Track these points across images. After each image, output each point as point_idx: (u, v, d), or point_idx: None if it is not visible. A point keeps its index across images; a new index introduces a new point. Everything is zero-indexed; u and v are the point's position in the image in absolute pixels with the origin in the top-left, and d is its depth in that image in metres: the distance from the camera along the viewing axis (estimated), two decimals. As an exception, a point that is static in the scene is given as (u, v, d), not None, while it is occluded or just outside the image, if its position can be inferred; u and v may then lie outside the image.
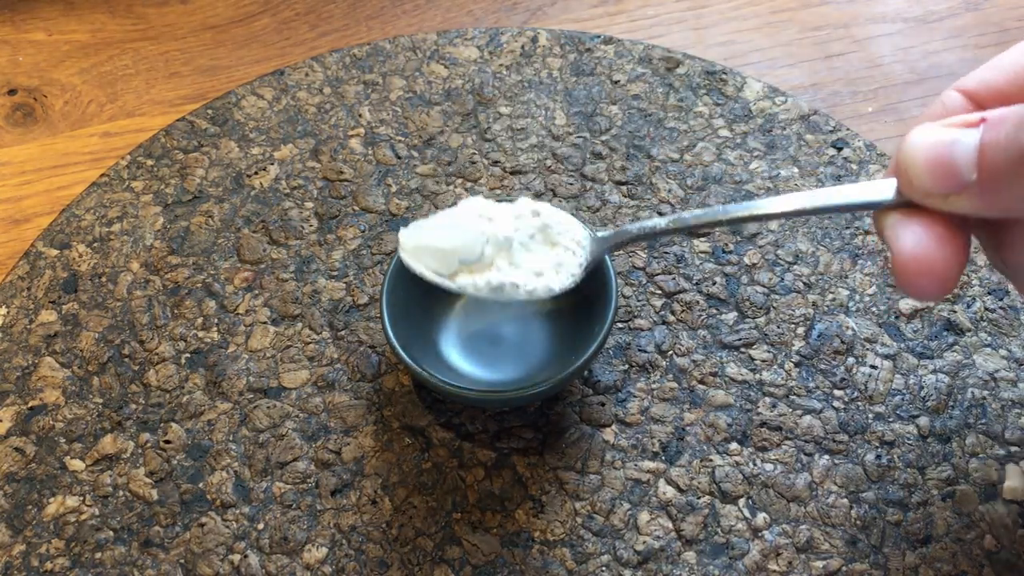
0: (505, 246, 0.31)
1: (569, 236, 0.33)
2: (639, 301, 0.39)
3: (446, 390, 0.33)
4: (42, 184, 0.45)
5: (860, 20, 0.50)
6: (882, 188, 0.27)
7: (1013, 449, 0.35)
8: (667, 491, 0.35)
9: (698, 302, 0.39)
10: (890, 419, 0.36)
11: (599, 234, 0.33)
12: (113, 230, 0.43)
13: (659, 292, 0.40)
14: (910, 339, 0.38)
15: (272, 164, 0.45)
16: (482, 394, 0.34)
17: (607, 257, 0.35)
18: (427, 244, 0.32)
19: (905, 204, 0.26)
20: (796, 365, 0.37)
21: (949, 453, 0.35)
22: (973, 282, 0.39)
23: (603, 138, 0.45)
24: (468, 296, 0.38)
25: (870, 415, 0.36)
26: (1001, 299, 0.39)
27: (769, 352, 0.38)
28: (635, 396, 0.37)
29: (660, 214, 0.42)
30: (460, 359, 0.37)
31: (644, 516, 0.34)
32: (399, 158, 0.45)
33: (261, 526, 0.34)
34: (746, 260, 0.40)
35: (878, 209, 0.27)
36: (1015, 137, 0.23)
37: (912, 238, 0.26)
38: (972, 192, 0.24)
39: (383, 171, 0.44)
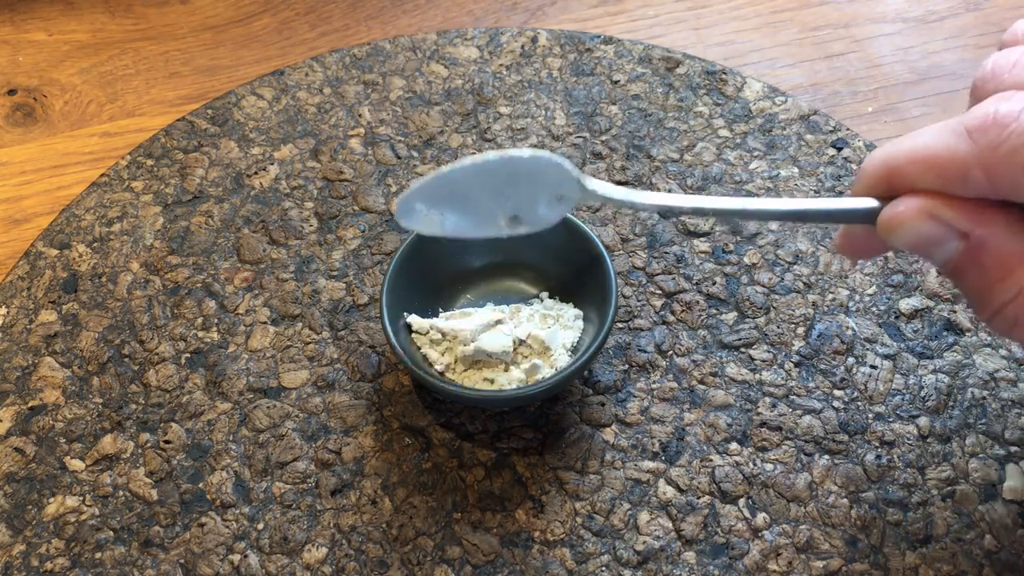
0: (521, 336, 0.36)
1: (565, 315, 0.37)
2: (639, 301, 0.39)
3: (446, 390, 0.33)
4: (42, 184, 0.45)
5: (860, 20, 0.50)
6: (865, 210, 0.27)
7: (1013, 449, 0.35)
8: (667, 491, 0.35)
9: (698, 302, 0.39)
10: (890, 419, 0.36)
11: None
12: (113, 230, 0.43)
13: (659, 292, 0.40)
14: (910, 339, 0.38)
15: (272, 164, 0.45)
16: (482, 394, 0.34)
17: (605, 255, 0.35)
18: (478, 346, 0.35)
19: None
20: (796, 365, 0.37)
21: (949, 453, 0.35)
22: (973, 282, 0.39)
23: (603, 138, 0.45)
24: (468, 294, 0.38)
25: (870, 415, 0.36)
26: (1001, 299, 0.39)
27: (769, 352, 0.38)
28: (635, 396, 0.37)
29: (660, 215, 0.42)
30: (460, 359, 0.37)
31: (644, 516, 0.34)
32: (399, 158, 0.45)
33: (261, 526, 0.34)
34: (746, 260, 0.40)
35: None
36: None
37: (861, 242, 0.29)
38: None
39: (383, 171, 0.44)
